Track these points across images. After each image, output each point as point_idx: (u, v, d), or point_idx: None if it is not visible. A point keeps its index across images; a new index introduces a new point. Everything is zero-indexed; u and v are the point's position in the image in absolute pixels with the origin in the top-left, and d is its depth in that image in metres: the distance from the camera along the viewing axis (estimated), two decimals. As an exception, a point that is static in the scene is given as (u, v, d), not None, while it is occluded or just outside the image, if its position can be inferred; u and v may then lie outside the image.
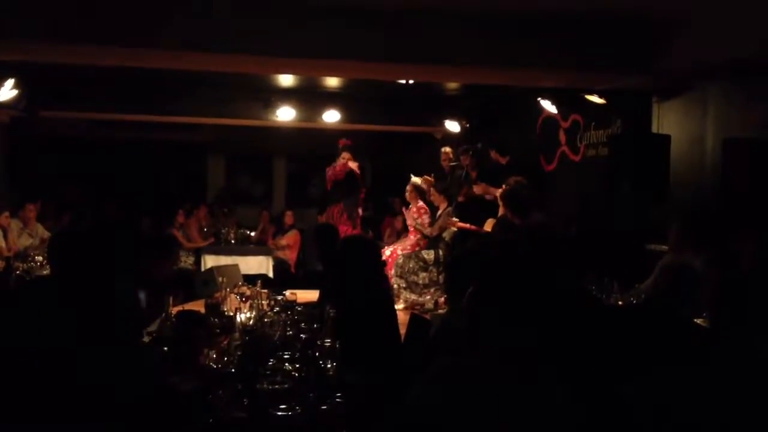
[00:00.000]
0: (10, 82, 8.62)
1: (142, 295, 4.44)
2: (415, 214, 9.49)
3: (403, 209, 10.49)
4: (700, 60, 6.26)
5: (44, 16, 5.79)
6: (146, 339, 3.94)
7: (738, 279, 3.00)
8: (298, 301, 4.85)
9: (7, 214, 9.51)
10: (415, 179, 9.76)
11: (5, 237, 9.30)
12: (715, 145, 6.62)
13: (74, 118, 12.31)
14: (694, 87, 6.90)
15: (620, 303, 5.05)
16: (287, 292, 5.02)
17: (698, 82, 6.81)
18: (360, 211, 10.21)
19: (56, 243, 3.88)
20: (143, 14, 5.96)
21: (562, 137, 9.03)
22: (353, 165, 9.95)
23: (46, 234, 9.38)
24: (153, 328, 4.16)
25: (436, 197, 9.43)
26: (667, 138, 6.97)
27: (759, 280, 3.07)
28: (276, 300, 4.88)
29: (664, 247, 5.89)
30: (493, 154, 8.61)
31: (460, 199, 8.78)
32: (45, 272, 6.70)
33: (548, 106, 8.67)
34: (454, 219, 8.56)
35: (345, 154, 9.96)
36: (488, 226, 7.76)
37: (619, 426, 2.66)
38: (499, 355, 2.43)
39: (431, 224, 9.30)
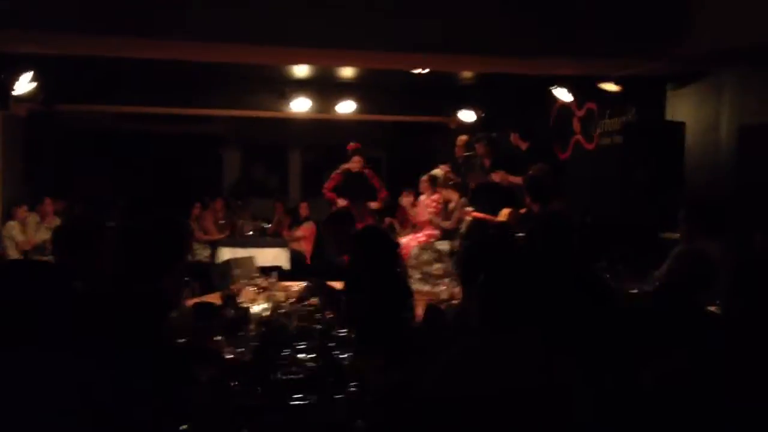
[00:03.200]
0: (27, 75, 8.66)
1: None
2: (430, 206, 9.47)
3: (408, 203, 10.31)
4: (716, 45, 6.21)
5: (62, 6, 5.79)
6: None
7: (754, 264, 2.98)
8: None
9: (25, 207, 9.62)
10: (436, 170, 9.71)
11: (23, 230, 9.41)
12: (729, 131, 6.58)
13: (90, 111, 12.37)
14: (709, 73, 6.85)
15: (634, 291, 5.05)
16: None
17: (714, 68, 6.76)
18: (373, 204, 10.07)
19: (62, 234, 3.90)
20: (160, 5, 5.97)
21: (577, 126, 9.00)
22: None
23: (64, 227, 9.45)
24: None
25: (444, 191, 9.36)
26: (680, 125, 6.95)
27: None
28: (292, 291, 4.94)
29: (678, 235, 5.87)
30: (514, 139, 8.54)
31: (472, 186, 8.75)
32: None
33: (563, 94, 8.63)
34: (469, 209, 8.54)
35: (355, 158, 9.91)
36: (503, 215, 7.75)
37: (629, 411, 2.68)
38: (510, 342, 2.45)
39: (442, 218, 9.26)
